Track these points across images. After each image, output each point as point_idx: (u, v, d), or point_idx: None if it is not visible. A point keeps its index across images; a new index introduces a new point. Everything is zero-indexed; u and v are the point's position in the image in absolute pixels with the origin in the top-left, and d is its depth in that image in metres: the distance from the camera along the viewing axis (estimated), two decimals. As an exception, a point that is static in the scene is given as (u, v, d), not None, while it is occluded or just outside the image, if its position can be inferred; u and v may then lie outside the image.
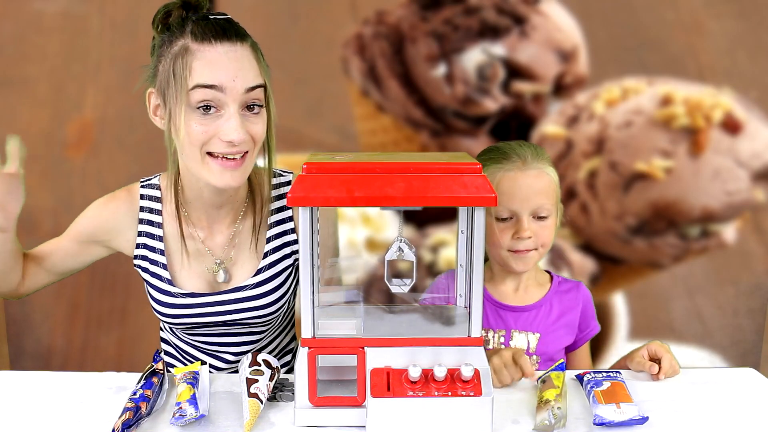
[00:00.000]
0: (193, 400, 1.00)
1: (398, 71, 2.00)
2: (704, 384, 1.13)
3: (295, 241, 1.27)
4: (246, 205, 1.26)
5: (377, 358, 0.97)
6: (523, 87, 2.02)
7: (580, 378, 1.12)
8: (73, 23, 1.97)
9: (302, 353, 0.97)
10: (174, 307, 1.24)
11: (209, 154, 1.11)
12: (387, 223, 2.06)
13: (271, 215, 1.27)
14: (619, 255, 2.11)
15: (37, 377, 1.15)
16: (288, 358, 1.40)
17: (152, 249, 1.25)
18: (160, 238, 1.25)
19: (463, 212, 1.01)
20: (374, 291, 1.10)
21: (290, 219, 1.28)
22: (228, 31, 1.10)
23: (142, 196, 1.26)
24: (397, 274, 1.00)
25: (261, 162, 1.21)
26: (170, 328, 1.32)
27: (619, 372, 1.12)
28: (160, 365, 1.09)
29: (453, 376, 0.95)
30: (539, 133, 2.04)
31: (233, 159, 1.11)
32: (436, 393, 0.94)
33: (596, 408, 1.01)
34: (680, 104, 2.01)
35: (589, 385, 1.07)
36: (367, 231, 2.06)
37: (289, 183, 1.29)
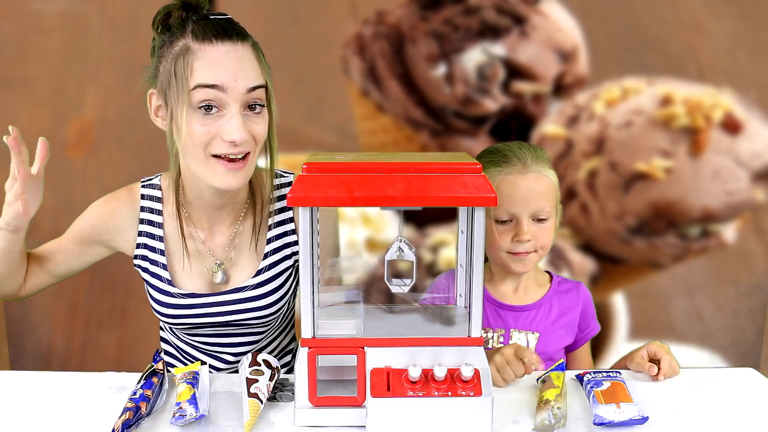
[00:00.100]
0: (193, 400, 1.00)
1: (398, 71, 2.00)
2: (704, 384, 1.13)
3: (297, 242, 1.27)
4: (247, 206, 1.26)
5: (377, 358, 0.97)
6: (523, 87, 2.02)
7: (580, 378, 1.12)
8: (73, 23, 1.98)
9: (302, 353, 0.97)
10: (174, 308, 1.24)
11: (213, 156, 1.11)
12: (387, 223, 2.06)
13: (273, 216, 1.27)
14: (619, 255, 2.11)
15: (37, 377, 1.15)
16: (288, 358, 1.40)
17: (152, 249, 1.25)
18: (161, 238, 1.25)
19: (463, 212, 1.01)
20: (374, 291, 1.10)
21: (292, 220, 1.28)
22: (229, 30, 1.10)
23: (142, 196, 1.26)
24: (397, 274, 1.00)
25: (262, 162, 1.20)
26: (170, 328, 1.32)
27: (619, 372, 1.12)
28: (160, 365, 1.09)
29: (453, 376, 0.95)
30: (539, 133, 2.04)
31: (236, 160, 1.11)
32: (436, 393, 0.94)
33: (596, 408, 1.01)
34: (680, 104, 2.01)
35: (589, 385, 1.07)
36: (367, 231, 2.06)
37: (290, 184, 1.29)
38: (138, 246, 1.26)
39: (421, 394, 0.94)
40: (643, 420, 0.99)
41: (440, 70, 2.00)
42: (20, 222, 1.12)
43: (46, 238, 1.29)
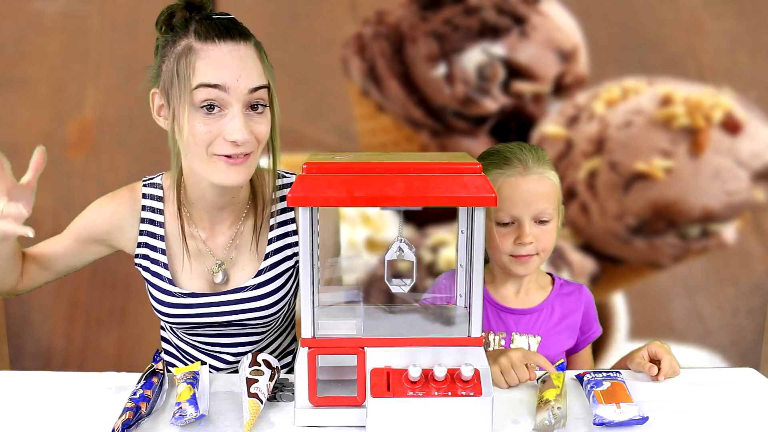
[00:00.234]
0: (193, 400, 1.00)
1: (398, 71, 2.00)
2: (704, 384, 1.13)
3: (298, 243, 1.27)
4: (248, 207, 1.26)
5: (377, 358, 0.97)
6: (523, 87, 2.02)
7: (580, 378, 1.12)
8: (73, 23, 1.98)
9: (302, 353, 0.97)
10: (174, 307, 1.24)
11: (215, 154, 1.11)
12: (387, 223, 2.06)
13: (276, 216, 1.27)
14: (619, 255, 2.11)
15: (37, 377, 1.15)
16: (289, 359, 1.40)
17: (153, 248, 1.25)
18: (162, 238, 1.25)
19: (463, 212, 1.01)
20: (374, 291, 1.10)
21: (294, 220, 1.27)
22: (231, 30, 1.10)
23: (144, 195, 1.26)
24: (397, 274, 1.00)
25: (264, 163, 1.20)
26: (170, 327, 1.32)
27: (619, 372, 1.12)
28: (160, 365, 1.09)
29: (453, 376, 0.95)
30: (539, 133, 2.04)
31: (237, 157, 1.11)
32: (436, 393, 0.94)
33: (596, 408, 1.01)
34: (680, 104, 2.01)
35: (589, 385, 1.07)
36: (367, 231, 2.06)
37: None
38: (139, 245, 1.26)
39: (421, 394, 0.94)
40: (643, 420, 0.99)
41: (440, 70, 2.00)
42: (11, 230, 1.06)
43: (45, 237, 1.29)
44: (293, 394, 1.02)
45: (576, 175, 2.04)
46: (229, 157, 1.10)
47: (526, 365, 1.11)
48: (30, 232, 1.02)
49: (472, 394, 0.93)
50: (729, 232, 2.09)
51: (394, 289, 1.00)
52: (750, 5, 2.00)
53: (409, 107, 2.02)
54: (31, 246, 1.28)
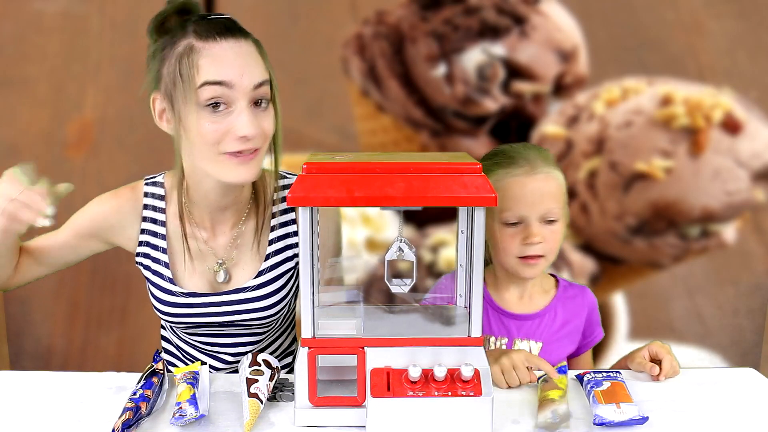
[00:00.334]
0: (193, 400, 1.00)
1: (398, 71, 2.00)
2: (704, 384, 1.13)
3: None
4: (249, 207, 1.26)
5: (377, 358, 0.97)
6: (523, 87, 2.02)
7: (580, 378, 1.12)
8: (73, 23, 1.97)
9: (302, 353, 0.97)
10: (175, 306, 1.24)
11: (224, 153, 1.11)
12: (387, 223, 2.06)
13: (277, 216, 1.27)
14: (619, 255, 2.11)
15: (37, 377, 1.15)
16: (289, 359, 1.39)
17: (155, 247, 1.25)
18: (163, 237, 1.24)
19: (463, 212, 1.01)
20: (374, 291, 1.10)
21: (294, 221, 1.27)
22: (231, 28, 1.10)
23: (146, 194, 1.26)
24: (397, 274, 1.00)
25: (265, 163, 1.20)
26: (171, 327, 1.32)
27: (619, 372, 1.12)
28: (160, 365, 1.09)
29: (453, 376, 0.95)
30: (539, 133, 2.04)
31: (247, 153, 1.11)
32: (436, 393, 0.94)
33: (596, 408, 1.01)
34: (680, 104, 2.01)
35: (589, 385, 1.07)
36: (367, 231, 2.06)
37: None
38: (140, 244, 1.26)
39: (421, 394, 0.94)
40: (643, 420, 0.99)
41: (440, 70, 2.00)
42: (21, 227, 1.11)
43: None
44: (293, 394, 1.02)
45: (576, 175, 2.04)
46: (239, 153, 1.10)
47: (527, 367, 1.10)
48: (48, 221, 1.07)
49: (472, 394, 0.93)
50: (729, 232, 2.09)
51: (394, 289, 1.00)
52: (750, 5, 2.00)
53: (409, 107, 2.02)
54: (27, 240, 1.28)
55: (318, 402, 0.97)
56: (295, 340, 1.42)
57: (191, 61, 1.08)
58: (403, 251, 0.98)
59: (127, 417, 0.96)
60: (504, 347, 1.29)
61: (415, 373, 0.93)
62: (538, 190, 1.23)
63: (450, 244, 2.07)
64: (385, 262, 0.98)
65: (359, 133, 2.06)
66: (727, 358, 2.19)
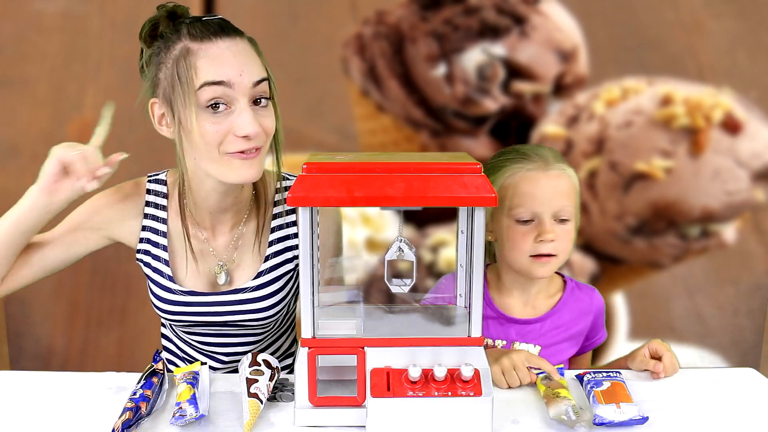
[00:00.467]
0: (193, 400, 1.00)
1: (398, 71, 2.00)
2: (704, 384, 1.13)
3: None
4: (250, 208, 1.26)
5: (377, 358, 0.97)
6: (523, 87, 2.02)
7: (580, 378, 1.12)
8: (73, 23, 1.97)
9: (302, 353, 0.97)
10: (174, 304, 1.24)
11: (227, 153, 1.11)
12: (387, 223, 2.06)
13: (278, 218, 1.27)
14: (619, 255, 2.11)
15: (37, 377, 1.15)
16: (289, 361, 1.39)
17: (155, 244, 1.25)
18: (164, 234, 1.24)
19: (463, 212, 1.01)
20: (374, 291, 1.10)
21: (295, 223, 1.27)
22: (226, 27, 1.10)
23: (148, 191, 1.26)
24: (397, 274, 1.00)
25: (267, 163, 1.20)
26: (170, 325, 1.32)
27: (619, 372, 1.12)
28: (160, 365, 1.09)
29: (453, 376, 0.95)
30: (539, 133, 2.04)
31: (250, 152, 1.11)
32: (436, 393, 0.94)
33: (596, 408, 1.01)
34: (680, 104, 2.01)
35: (589, 385, 1.07)
36: (367, 231, 2.06)
37: None
38: (141, 240, 1.26)
39: (421, 394, 0.94)
40: (643, 420, 0.99)
41: (440, 70, 2.00)
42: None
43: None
44: (293, 394, 1.02)
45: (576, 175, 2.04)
46: (241, 153, 1.10)
47: (527, 367, 1.10)
48: (96, 183, 1.12)
49: (472, 394, 0.93)
50: (729, 232, 2.09)
51: (394, 289, 1.00)
52: (750, 5, 2.00)
53: (409, 107, 2.02)
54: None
55: (318, 402, 0.97)
56: (295, 341, 1.42)
57: (189, 63, 1.08)
58: (403, 251, 0.98)
59: (127, 417, 0.96)
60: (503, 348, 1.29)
61: (415, 373, 0.93)
62: (552, 187, 1.21)
63: (450, 244, 2.07)
64: (385, 262, 0.98)
65: (359, 133, 2.06)
66: (727, 358, 2.19)
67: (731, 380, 1.15)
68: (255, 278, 1.24)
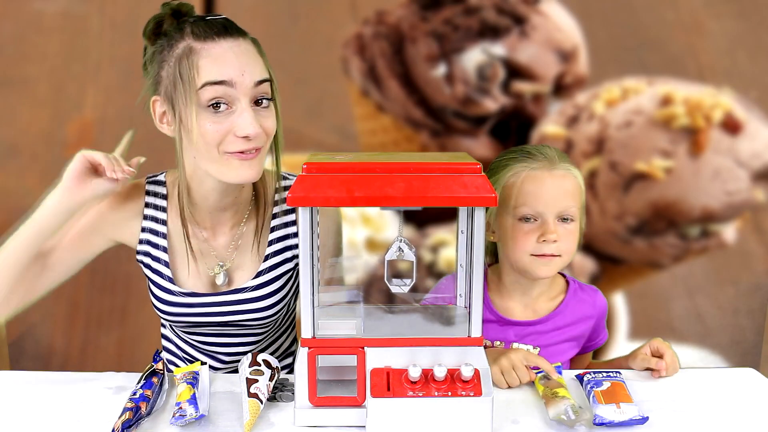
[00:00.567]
0: (193, 400, 1.00)
1: (398, 71, 2.00)
2: (704, 384, 1.13)
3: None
4: (250, 208, 1.26)
5: (377, 358, 0.97)
6: (523, 87, 2.02)
7: (580, 378, 1.12)
8: (73, 23, 1.97)
9: (302, 353, 0.97)
10: (174, 305, 1.24)
11: (226, 153, 1.11)
12: (387, 223, 2.06)
13: (278, 217, 1.27)
14: (619, 255, 2.11)
15: (37, 377, 1.15)
16: (289, 360, 1.39)
17: (155, 245, 1.25)
18: (164, 235, 1.24)
19: (463, 212, 1.01)
20: (374, 291, 1.10)
21: (295, 223, 1.27)
22: (229, 27, 1.10)
23: (147, 192, 1.26)
24: (397, 274, 1.00)
25: (267, 163, 1.20)
26: (170, 325, 1.32)
27: (619, 372, 1.12)
28: (160, 365, 1.09)
29: (453, 376, 0.95)
30: (539, 133, 2.04)
31: (249, 152, 1.11)
32: (436, 393, 0.94)
33: (596, 408, 1.01)
34: (680, 104, 2.01)
35: (589, 385, 1.07)
36: (367, 231, 2.06)
37: None
38: (141, 242, 1.26)
39: (421, 394, 0.94)
40: (643, 420, 0.99)
41: (440, 70, 2.00)
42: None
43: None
44: (293, 394, 1.02)
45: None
46: (241, 153, 1.10)
47: (526, 366, 1.10)
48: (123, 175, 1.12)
49: (472, 394, 0.93)
50: (729, 232, 2.09)
51: (394, 289, 1.00)
52: (750, 5, 2.00)
53: (409, 107, 2.02)
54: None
55: (318, 402, 0.97)
56: (295, 341, 1.42)
57: (191, 63, 1.08)
58: (403, 251, 0.98)
59: (127, 417, 0.96)
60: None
61: (415, 373, 0.93)
62: (557, 187, 1.20)
63: (450, 244, 2.07)
64: (385, 262, 0.98)
65: (359, 133, 2.06)
66: (727, 358, 2.19)
67: (731, 380, 1.15)
68: (254, 278, 1.24)
